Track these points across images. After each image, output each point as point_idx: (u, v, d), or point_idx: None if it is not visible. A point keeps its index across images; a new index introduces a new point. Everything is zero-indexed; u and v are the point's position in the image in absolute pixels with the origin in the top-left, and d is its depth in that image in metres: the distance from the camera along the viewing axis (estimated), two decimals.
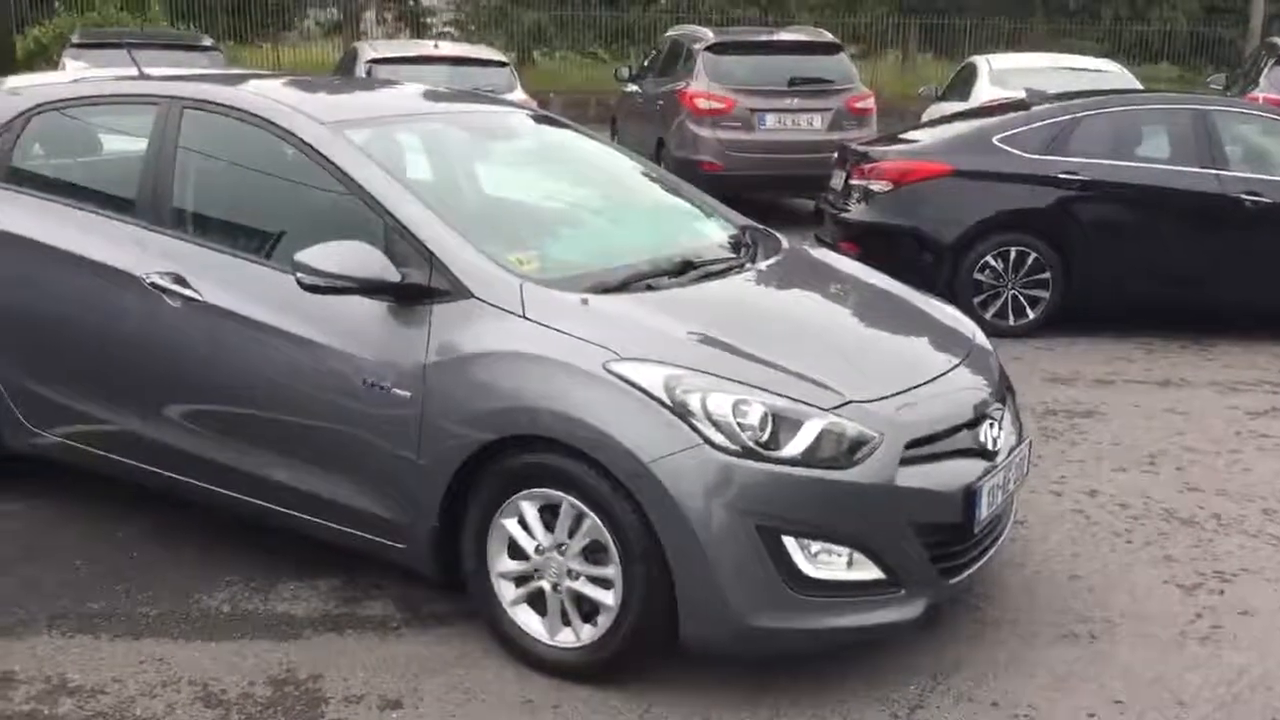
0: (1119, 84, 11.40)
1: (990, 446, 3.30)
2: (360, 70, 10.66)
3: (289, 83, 4.47)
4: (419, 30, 25.93)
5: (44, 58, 16.27)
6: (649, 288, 3.43)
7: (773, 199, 11.25)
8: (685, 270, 3.62)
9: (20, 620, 3.42)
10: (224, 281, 3.55)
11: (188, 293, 3.57)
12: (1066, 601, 3.69)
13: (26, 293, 3.99)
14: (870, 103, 11.18)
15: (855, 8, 25.76)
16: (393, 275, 3.22)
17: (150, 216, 3.77)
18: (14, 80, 7.17)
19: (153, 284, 3.63)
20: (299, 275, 3.21)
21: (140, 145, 3.90)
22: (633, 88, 13.37)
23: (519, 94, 10.70)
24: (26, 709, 2.99)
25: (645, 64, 13.83)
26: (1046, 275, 7.03)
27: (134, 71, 4.36)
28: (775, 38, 12.23)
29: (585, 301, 3.22)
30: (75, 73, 8.24)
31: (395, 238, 3.32)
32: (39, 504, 4.22)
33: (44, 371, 3.97)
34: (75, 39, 12.77)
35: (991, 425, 3.34)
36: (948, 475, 3.14)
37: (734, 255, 3.93)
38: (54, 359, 3.95)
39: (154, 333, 3.65)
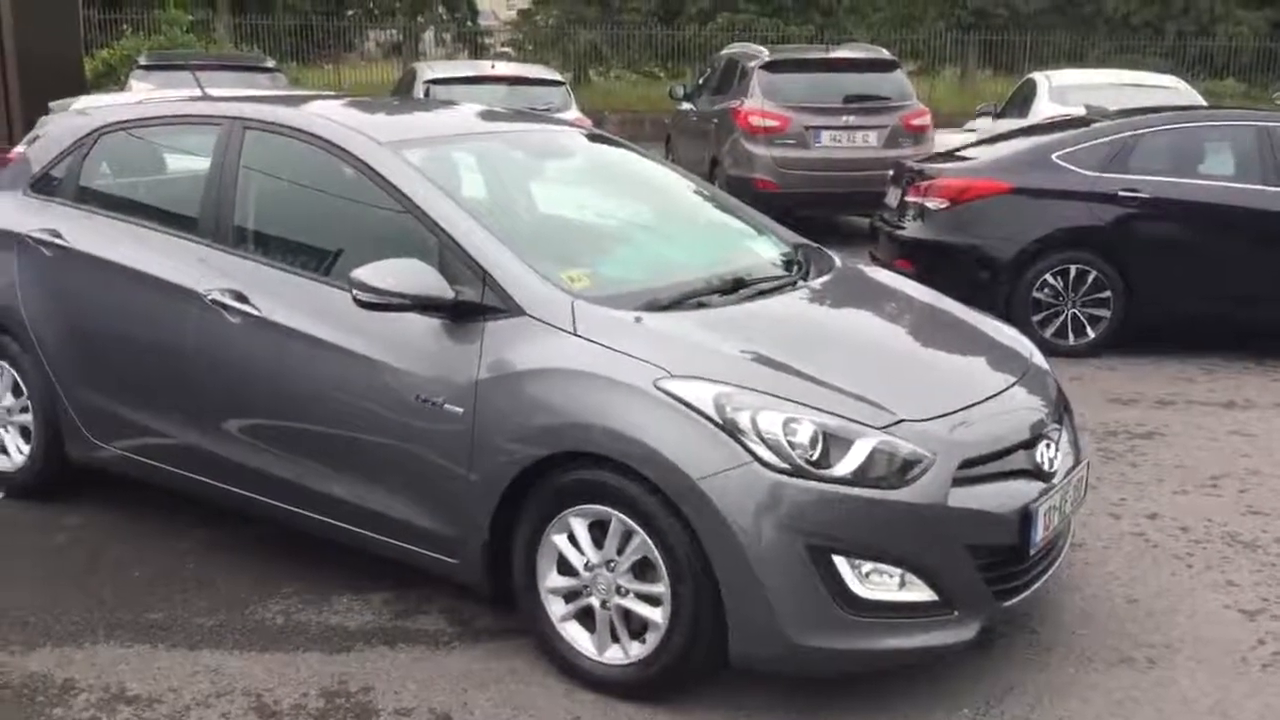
0: (1182, 100, 11.21)
1: (1046, 467, 3.26)
2: (419, 90, 10.78)
3: (348, 103, 4.55)
4: (477, 51, 26.27)
5: (112, 79, 16.69)
6: (701, 305, 3.44)
7: (827, 217, 11.21)
8: (737, 288, 3.62)
9: (80, 629, 3.49)
10: (282, 298, 3.61)
11: (247, 309, 3.64)
12: (1124, 626, 3.63)
13: (91, 308, 4.09)
14: (927, 119, 11.10)
15: (913, 24, 25.64)
16: (447, 292, 3.26)
17: (212, 234, 3.85)
18: (82, 101, 7.38)
19: (213, 300, 3.70)
20: (355, 292, 3.25)
21: (203, 165, 3.99)
22: (687, 106, 13.41)
23: (574, 113, 10.76)
24: (86, 716, 3.05)
25: (700, 82, 13.86)
26: (1107, 294, 6.92)
27: (198, 92, 4.46)
28: (831, 55, 12.21)
29: (638, 319, 3.24)
30: (141, 94, 8.44)
31: (449, 255, 3.35)
32: (99, 516, 4.31)
33: (106, 385, 4.06)
34: (142, 61, 13.09)
35: (1048, 446, 3.29)
36: (1003, 496, 3.10)
37: (786, 273, 3.92)
38: (117, 373, 4.04)
39: (214, 348, 3.72)
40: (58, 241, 4.18)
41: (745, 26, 24.25)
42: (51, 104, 8.49)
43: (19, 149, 4.86)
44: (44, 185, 4.40)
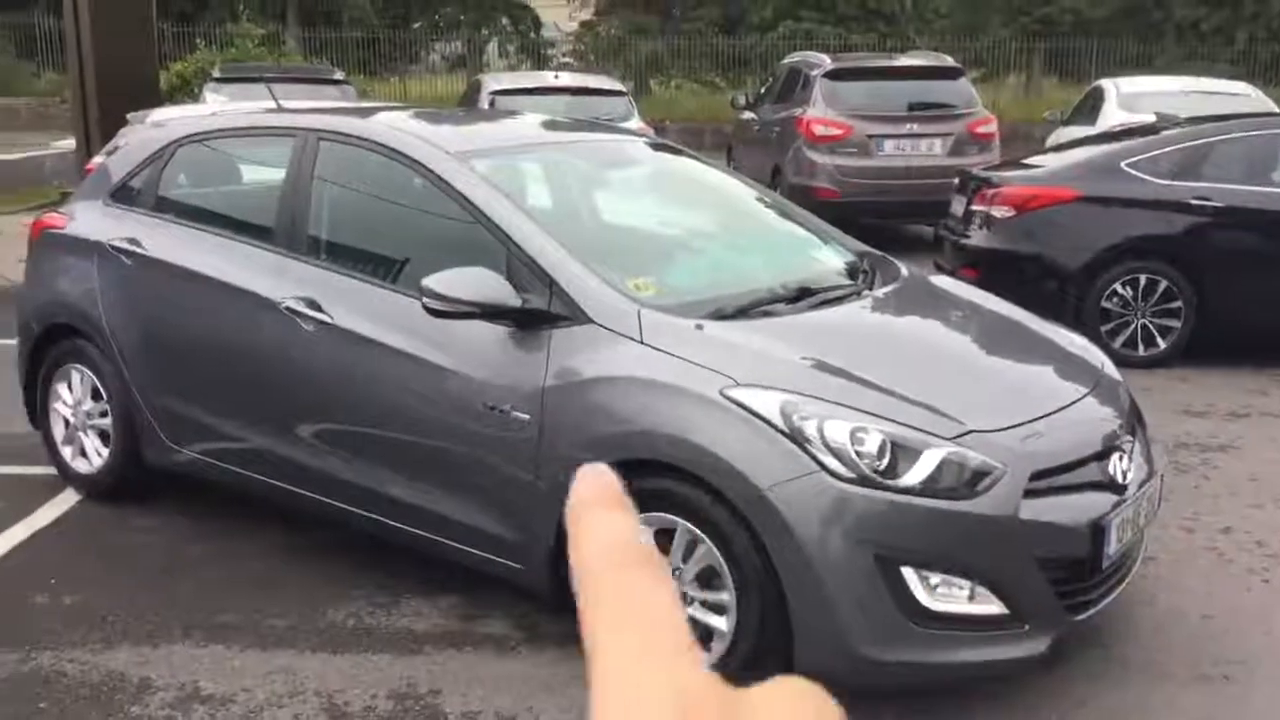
0: (1254, 107, 10.97)
1: (1120, 480, 3.21)
2: (484, 101, 10.89)
3: (417, 115, 4.61)
4: (540, 62, 26.44)
5: (185, 91, 17.04)
6: (766, 314, 3.44)
7: (892, 226, 11.12)
8: (802, 297, 3.62)
9: (157, 629, 3.57)
10: (355, 306, 3.68)
11: (320, 316, 3.70)
12: (1199, 642, 3.56)
13: (170, 316, 4.19)
14: (992, 127, 10.97)
15: (977, 31, 25.39)
16: (514, 300, 3.29)
17: (286, 243, 3.92)
18: (159, 113, 7.55)
19: (288, 308, 3.77)
20: (425, 300, 3.29)
21: (278, 175, 4.07)
22: (749, 115, 13.39)
23: (637, 122, 10.80)
24: (163, 714, 3.12)
25: (762, 91, 13.84)
26: (1177, 304, 6.80)
27: (271, 104, 4.55)
28: (894, 63, 12.11)
29: (701, 327, 3.24)
30: (215, 106, 8.63)
31: (517, 264, 3.39)
32: (175, 519, 4.40)
33: (183, 390, 4.16)
34: (216, 73, 13.34)
35: (1121, 458, 3.25)
36: (1075, 508, 3.06)
37: (851, 282, 3.90)
38: (194, 379, 4.13)
39: (288, 355, 3.79)
40: (136, 250, 4.28)
41: (807, 35, 24.16)
42: (129, 116, 8.70)
43: (97, 159, 4.99)
44: (123, 195, 4.52)
